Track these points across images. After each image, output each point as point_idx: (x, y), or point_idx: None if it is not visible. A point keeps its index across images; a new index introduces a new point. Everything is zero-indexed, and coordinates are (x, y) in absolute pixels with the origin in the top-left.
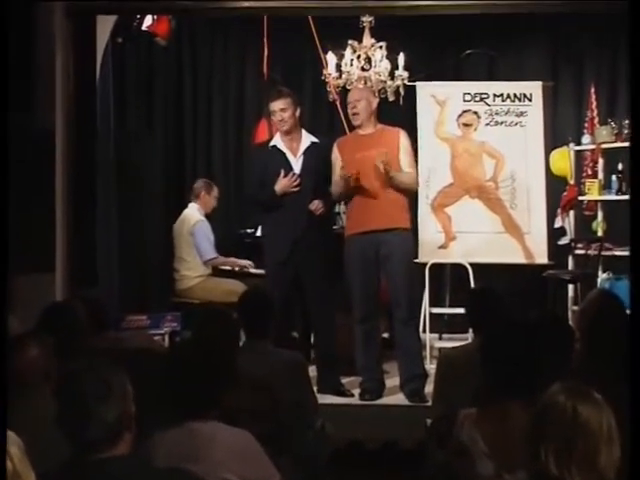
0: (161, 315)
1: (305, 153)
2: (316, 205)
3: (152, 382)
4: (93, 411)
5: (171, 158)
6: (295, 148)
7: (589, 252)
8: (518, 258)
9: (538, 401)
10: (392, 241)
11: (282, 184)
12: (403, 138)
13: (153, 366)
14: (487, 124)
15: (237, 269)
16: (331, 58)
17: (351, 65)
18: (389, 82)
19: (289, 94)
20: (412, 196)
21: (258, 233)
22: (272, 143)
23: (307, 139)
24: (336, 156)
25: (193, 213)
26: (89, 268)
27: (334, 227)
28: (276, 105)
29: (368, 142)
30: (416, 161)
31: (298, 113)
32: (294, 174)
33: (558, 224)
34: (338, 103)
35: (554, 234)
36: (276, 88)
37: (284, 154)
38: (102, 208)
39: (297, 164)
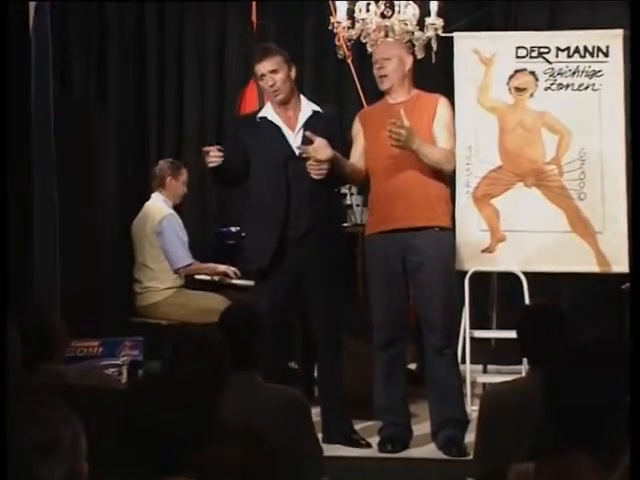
0: (118, 340)
1: (306, 126)
2: (317, 165)
3: (105, 430)
4: (33, 470)
5: (130, 136)
6: (292, 119)
7: None
8: (588, 265)
9: (617, 455)
10: (425, 244)
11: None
12: (442, 107)
13: (106, 409)
14: (548, 88)
15: (218, 279)
16: (341, 2)
17: (367, 11)
18: (417, 33)
19: (279, 51)
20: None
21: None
22: (261, 114)
23: (308, 108)
24: (357, 130)
25: (158, 205)
26: (23, 279)
27: (345, 224)
28: (263, 66)
29: (398, 114)
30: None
31: (293, 74)
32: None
33: None
34: (350, 61)
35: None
36: (262, 44)
37: (278, 128)
38: (39, 201)
39: (296, 140)
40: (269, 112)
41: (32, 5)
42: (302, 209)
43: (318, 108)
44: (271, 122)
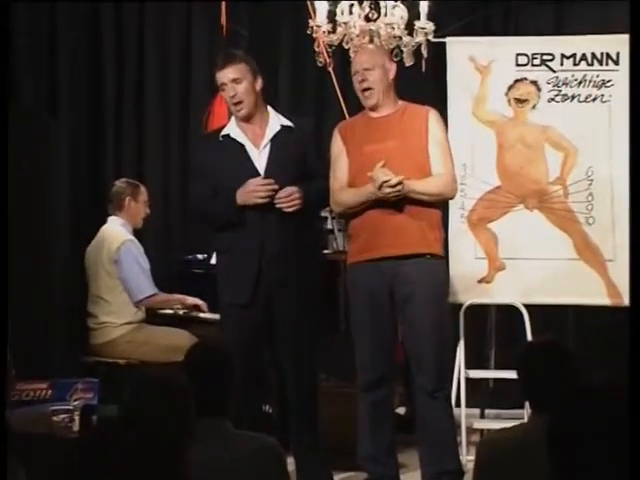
0: (69, 382)
1: (273, 142)
2: (288, 194)
3: None
4: None
5: (84, 152)
6: (258, 136)
7: None
8: (598, 297)
9: None
10: (415, 273)
11: (247, 191)
12: (434, 121)
13: (55, 460)
14: (552, 99)
15: (183, 312)
16: (321, 3)
17: (350, 13)
18: (406, 38)
19: (243, 58)
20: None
21: (213, 260)
22: (224, 131)
23: (276, 122)
24: (339, 148)
25: (115, 230)
26: None
27: (325, 251)
28: (224, 74)
29: (383, 128)
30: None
31: (260, 85)
32: (266, 178)
33: None
34: (331, 69)
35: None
36: (225, 50)
37: (242, 147)
38: None
39: (261, 159)
40: (232, 129)
41: None
42: (272, 236)
43: (289, 122)
44: (234, 140)
